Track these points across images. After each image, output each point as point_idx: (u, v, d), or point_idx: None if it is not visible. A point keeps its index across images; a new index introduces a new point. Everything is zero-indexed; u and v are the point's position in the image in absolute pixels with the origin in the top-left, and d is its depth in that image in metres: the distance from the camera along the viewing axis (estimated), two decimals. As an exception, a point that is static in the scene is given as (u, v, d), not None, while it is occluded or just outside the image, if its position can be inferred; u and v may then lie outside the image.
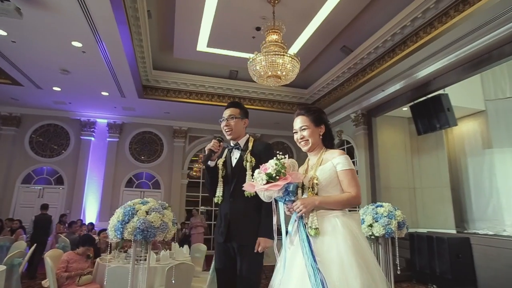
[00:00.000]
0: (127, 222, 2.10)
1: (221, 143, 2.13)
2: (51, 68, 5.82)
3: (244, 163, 2.10)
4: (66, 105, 8.00)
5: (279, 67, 4.40)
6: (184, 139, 9.41)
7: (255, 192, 1.97)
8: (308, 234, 1.45)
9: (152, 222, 2.12)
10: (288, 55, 4.44)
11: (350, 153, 8.02)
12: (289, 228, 1.57)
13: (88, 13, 4.08)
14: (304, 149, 1.75)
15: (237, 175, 2.10)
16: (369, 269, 1.38)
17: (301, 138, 1.73)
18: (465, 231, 6.18)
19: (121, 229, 2.08)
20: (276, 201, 1.55)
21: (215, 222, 9.61)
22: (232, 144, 2.23)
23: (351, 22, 5.29)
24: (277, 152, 1.54)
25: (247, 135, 2.27)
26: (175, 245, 4.61)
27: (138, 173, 9.00)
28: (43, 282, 3.80)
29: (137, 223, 2.08)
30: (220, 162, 2.18)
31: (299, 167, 1.63)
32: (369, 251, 1.47)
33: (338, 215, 1.53)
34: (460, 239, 5.27)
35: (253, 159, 2.09)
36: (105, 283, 2.93)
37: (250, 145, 2.18)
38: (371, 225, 2.73)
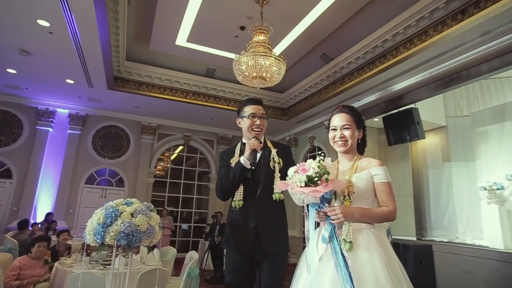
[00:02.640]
0: (109, 225, 1.87)
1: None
2: (8, 47, 5.15)
3: (271, 164, 1.93)
4: (21, 91, 7.19)
5: (265, 68, 4.31)
6: (152, 136, 8.95)
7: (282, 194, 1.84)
8: (342, 247, 1.36)
9: (138, 225, 1.91)
10: (275, 57, 4.38)
11: (322, 159, 8.14)
12: (317, 236, 1.46)
13: (62, -10, 3.69)
14: (340, 149, 1.65)
15: (264, 177, 1.91)
16: (401, 284, 1.35)
17: (341, 138, 1.63)
18: (423, 238, 6.56)
19: (102, 233, 1.84)
20: (307, 205, 1.44)
21: (181, 224, 9.24)
22: None
23: (334, 31, 5.39)
24: (318, 153, 1.44)
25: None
26: (143, 249, 4.32)
27: (100, 169, 8.36)
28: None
29: (122, 226, 1.86)
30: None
31: None
32: (399, 264, 1.43)
33: (370, 228, 1.48)
34: (424, 246, 5.56)
35: (281, 160, 1.94)
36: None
37: (270, 145, 2.03)
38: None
